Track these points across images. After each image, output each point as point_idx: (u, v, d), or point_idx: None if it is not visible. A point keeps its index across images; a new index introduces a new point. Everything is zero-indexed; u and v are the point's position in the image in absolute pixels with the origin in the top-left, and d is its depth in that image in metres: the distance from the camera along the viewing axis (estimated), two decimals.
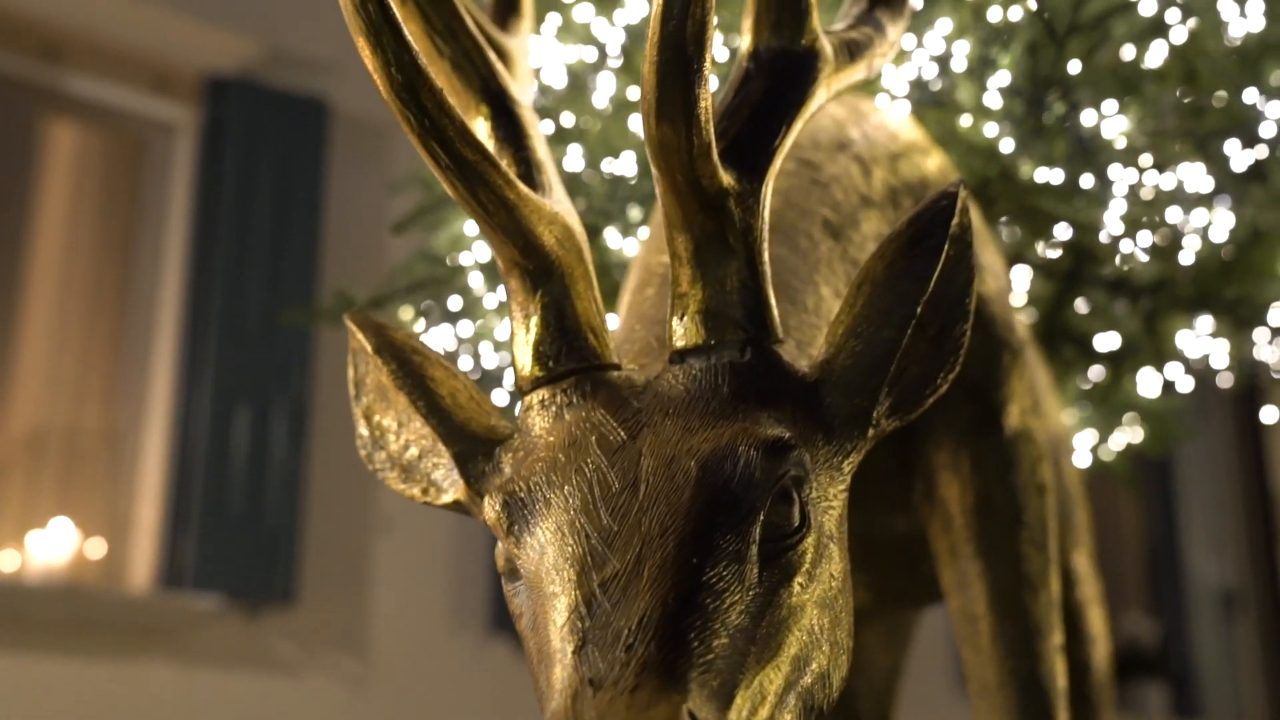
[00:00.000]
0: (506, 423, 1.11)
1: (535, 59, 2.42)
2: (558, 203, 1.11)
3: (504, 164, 1.17)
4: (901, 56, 1.86)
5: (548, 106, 2.17)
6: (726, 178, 1.02)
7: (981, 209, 2.01)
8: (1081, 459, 2.73)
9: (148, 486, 4.88)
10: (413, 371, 1.12)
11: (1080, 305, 2.52)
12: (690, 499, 0.93)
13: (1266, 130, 1.91)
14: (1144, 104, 1.83)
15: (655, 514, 0.93)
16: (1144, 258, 2.26)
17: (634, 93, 2.16)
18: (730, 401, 1.01)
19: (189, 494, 4.67)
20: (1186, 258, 2.07)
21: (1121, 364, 2.59)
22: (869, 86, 1.92)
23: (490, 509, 1.00)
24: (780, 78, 1.13)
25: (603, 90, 2.19)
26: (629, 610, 0.87)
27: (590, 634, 0.87)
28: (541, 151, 1.18)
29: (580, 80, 2.18)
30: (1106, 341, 2.54)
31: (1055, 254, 2.31)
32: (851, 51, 1.22)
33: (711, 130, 0.98)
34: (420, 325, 2.24)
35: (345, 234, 5.18)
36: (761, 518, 0.95)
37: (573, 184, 2.10)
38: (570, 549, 0.93)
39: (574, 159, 2.10)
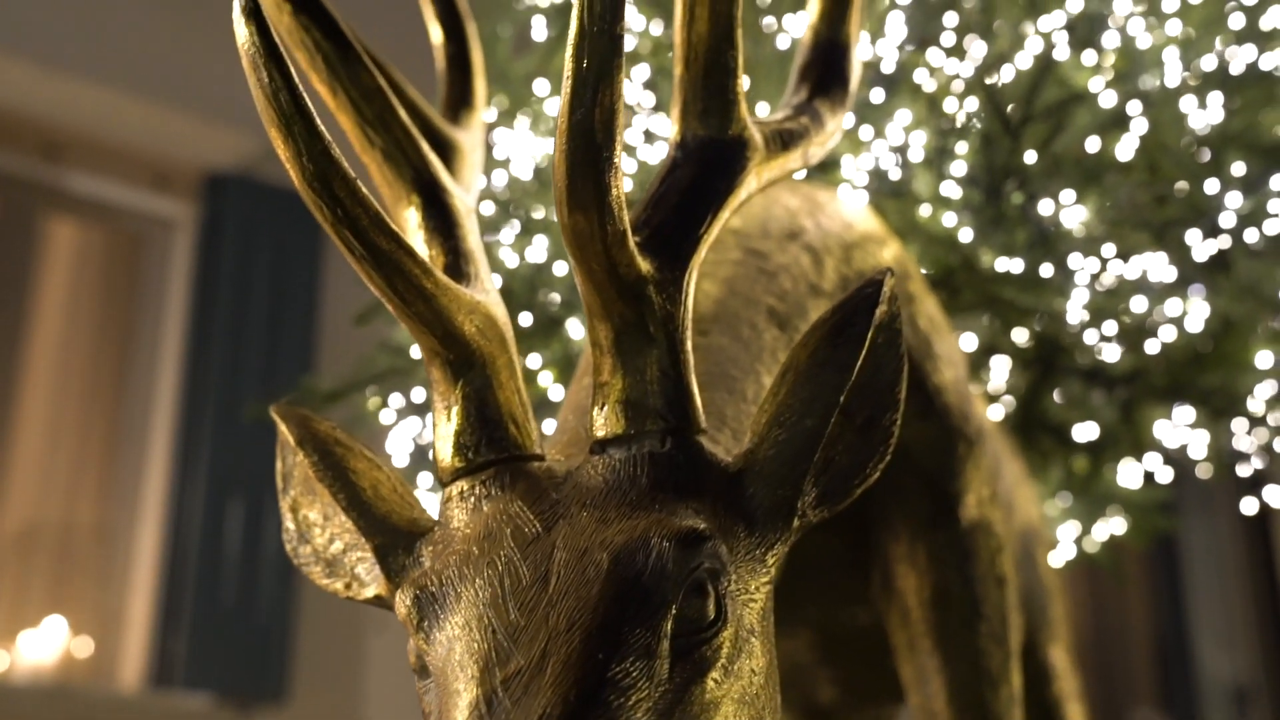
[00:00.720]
0: (429, 515, 1.10)
1: (505, 151, 2.45)
2: (483, 293, 1.10)
3: (432, 254, 1.18)
4: (859, 147, 1.87)
5: (515, 199, 2.18)
6: (645, 265, 1.02)
7: (946, 299, 2.01)
8: (1065, 551, 2.69)
9: (139, 582, 4.84)
10: (334, 463, 1.10)
11: (1058, 395, 2.51)
12: (600, 592, 0.91)
13: (1227, 220, 1.91)
14: (1102, 194, 1.83)
15: (564, 608, 0.90)
16: (1114, 347, 2.26)
17: None
18: (648, 492, 0.99)
19: (181, 590, 4.63)
20: (1153, 347, 2.06)
21: (1101, 454, 2.57)
22: (829, 176, 1.93)
23: (401, 604, 0.98)
24: (707, 166, 1.13)
25: None
26: (529, 708, 0.85)
27: None
28: (471, 241, 1.18)
29: (547, 174, 2.19)
30: (1085, 431, 2.52)
31: (1026, 343, 2.31)
32: (784, 141, 1.22)
33: (625, 218, 0.97)
34: (390, 417, 2.23)
35: (340, 329, 5.19)
36: (674, 611, 0.92)
37: (539, 276, 2.11)
38: (476, 644, 0.91)
39: (539, 250, 2.11)
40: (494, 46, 2.46)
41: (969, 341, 2.26)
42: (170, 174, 5.40)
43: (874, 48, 2.00)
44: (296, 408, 1.14)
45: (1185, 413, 2.45)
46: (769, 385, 1.33)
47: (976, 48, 2.10)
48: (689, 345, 1.05)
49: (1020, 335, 2.32)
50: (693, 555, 0.94)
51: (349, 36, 1.31)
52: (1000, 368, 2.48)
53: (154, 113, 5.14)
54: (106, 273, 5.65)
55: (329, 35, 1.17)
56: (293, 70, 0.92)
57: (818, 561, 1.58)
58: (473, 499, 1.03)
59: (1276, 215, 1.93)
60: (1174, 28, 2.02)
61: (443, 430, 1.06)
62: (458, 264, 1.14)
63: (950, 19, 2.16)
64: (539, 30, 2.35)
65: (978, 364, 2.43)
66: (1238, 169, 1.97)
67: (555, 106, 2.42)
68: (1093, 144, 2.03)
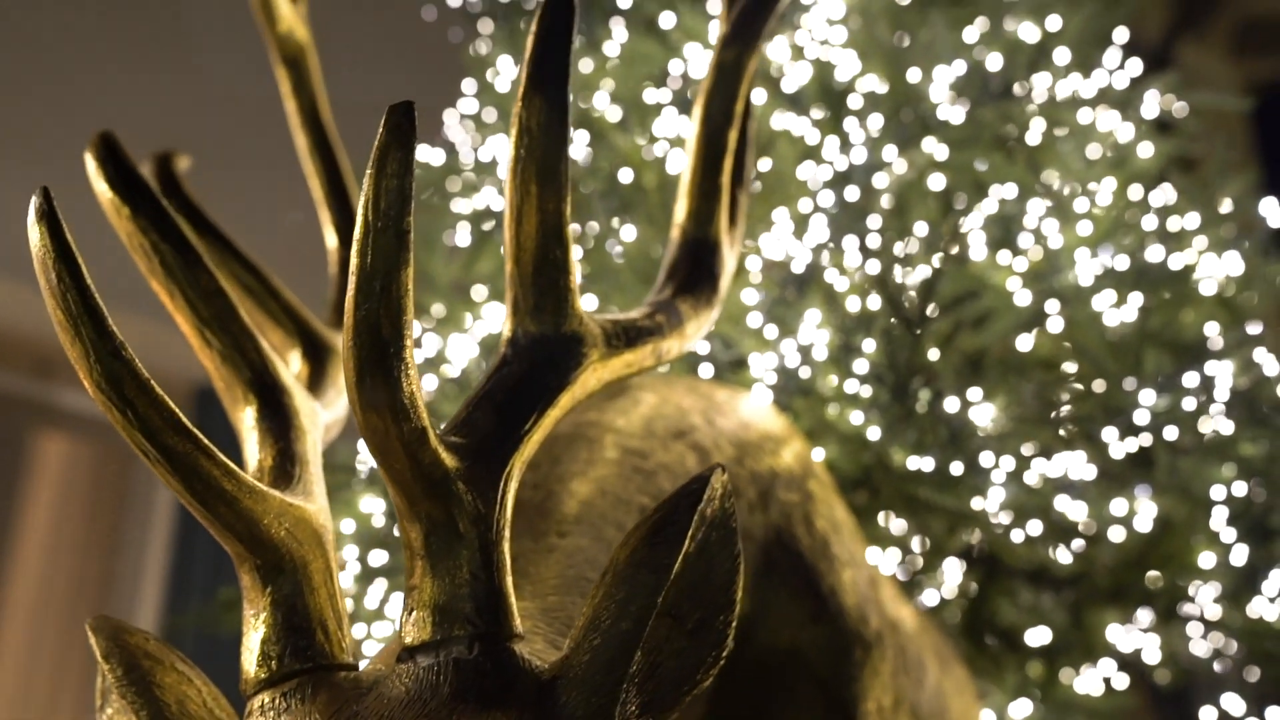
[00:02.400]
0: None
1: (453, 351, 2.46)
2: (303, 495, 1.08)
3: (261, 455, 1.15)
4: (765, 345, 1.87)
5: (438, 402, 2.18)
6: (454, 463, 0.99)
7: (865, 499, 1.97)
8: None
9: None
10: (139, 678, 1.05)
11: (1008, 598, 2.45)
12: None
13: (1141, 418, 1.89)
14: (1010, 391, 1.81)
15: None
16: (1061, 553, 2.21)
17: None
18: (449, 703, 0.94)
19: None
20: (1077, 546, 2.01)
21: (1056, 659, 2.48)
22: (739, 376, 1.92)
23: None
24: (537, 363, 1.11)
25: None
26: None
27: None
28: (305, 444, 1.16)
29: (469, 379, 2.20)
30: (1037, 636, 2.44)
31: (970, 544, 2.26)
32: (630, 337, 1.21)
33: (423, 414, 0.95)
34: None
35: None
36: None
37: None
38: None
39: None
40: (430, 253, 2.51)
41: (918, 542, 2.21)
42: (161, 388, 5.46)
43: (786, 247, 2.03)
44: (112, 618, 1.10)
45: (1138, 615, 2.37)
46: None
47: (897, 248, 2.12)
48: (505, 547, 1.01)
49: (968, 535, 2.27)
50: None
51: (212, 237, 1.32)
52: (954, 570, 2.42)
53: (145, 328, 5.22)
54: (94, 486, 5.65)
55: (167, 237, 1.17)
56: (84, 271, 0.92)
57: None
58: (273, 712, 0.98)
59: (1195, 413, 1.91)
60: (1085, 228, 2.04)
61: (249, 639, 1.01)
62: (283, 466, 1.12)
63: (874, 220, 2.19)
64: (463, 236, 2.40)
65: (929, 565, 2.38)
66: (1155, 365, 1.96)
67: (493, 310, 2.46)
68: (1022, 342, 2.03)
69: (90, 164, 1.19)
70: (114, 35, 5.38)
